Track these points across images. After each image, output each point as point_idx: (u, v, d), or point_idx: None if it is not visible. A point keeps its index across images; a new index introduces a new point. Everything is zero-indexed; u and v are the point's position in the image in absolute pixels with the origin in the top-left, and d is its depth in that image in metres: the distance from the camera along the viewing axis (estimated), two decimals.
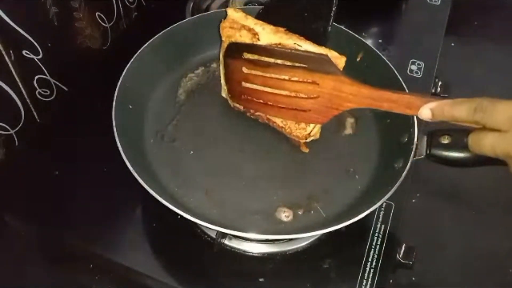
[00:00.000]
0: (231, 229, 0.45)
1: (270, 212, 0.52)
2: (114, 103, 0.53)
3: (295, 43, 0.53)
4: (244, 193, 0.53)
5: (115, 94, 0.54)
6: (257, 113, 0.57)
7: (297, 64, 0.51)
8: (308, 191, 0.53)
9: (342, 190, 0.54)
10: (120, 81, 0.55)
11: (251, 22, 0.55)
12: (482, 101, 0.40)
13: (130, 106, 0.56)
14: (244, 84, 0.55)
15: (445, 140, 0.49)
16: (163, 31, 0.61)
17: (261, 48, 0.53)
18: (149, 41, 0.60)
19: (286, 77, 0.52)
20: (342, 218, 0.47)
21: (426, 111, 0.44)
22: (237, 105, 0.58)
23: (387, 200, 0.48)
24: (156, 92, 0.61)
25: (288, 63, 0.51)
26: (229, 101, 0.59)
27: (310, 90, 0.51)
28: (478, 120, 0.40)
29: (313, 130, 0.55)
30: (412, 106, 0.46)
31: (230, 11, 0.56)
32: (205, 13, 0.68)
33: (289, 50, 0.51)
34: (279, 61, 0.51)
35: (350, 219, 0.46)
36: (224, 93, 0.60)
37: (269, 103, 0.54)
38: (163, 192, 0.50)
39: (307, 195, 0.53)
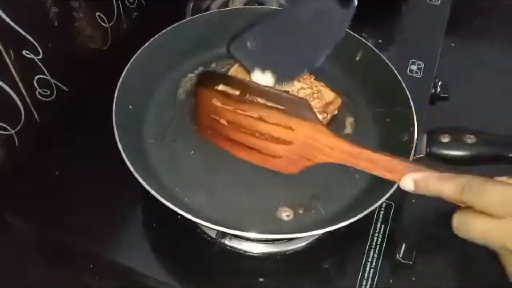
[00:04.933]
0: (231, 229, 0.45)
1: (271, 211, 0.52)
2: (114, 103, 0.53)
3: None
4: (245, 193, 0.53)
5: (115, 94, 0.54)
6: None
7: (273, 105, 0.47)
8: (308, 190, 0.53)
9: (342, 190, 0.54)
10: (120, 81, 0.55)
11: None
12: (471, 180, 0.37)
13: (130, 106, 0.56)
14: (213, 117, 0.51)
15: (445, 139, 0.49)
16: (163, 31, 0.61)
17: (237, 81, 0.50)
18: (149, 41, 0.60)
19: (260, 117, 0.48)
20: (342, 217, 0.47)
21: (409, 182, 0.41)
22: None
23: (387, 200, 0.48)
24: (156, 92, 0.61)
25: (264, 102, 0.48)
26: None
27: (284, 134, 0.47)
28: (466, 201, 0.37)
29: None
30: (393, 170, 0.43)
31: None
32: (205, 13, 0.68)
33: (267, 88, 0.48)
34: (256, 99, 0.48)
35: (350, 218, 0.46)
36: None
37: (237, 141, 0.50)
38: (164, 191, 0.50)
39: (308, 195, 0.53)
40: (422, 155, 0.50)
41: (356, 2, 0.51)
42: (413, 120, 0.53)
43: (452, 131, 0.50)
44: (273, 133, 0.48)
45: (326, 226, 0.46)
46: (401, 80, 0.58)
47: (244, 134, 0.50)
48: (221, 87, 0.50)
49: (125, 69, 0.56)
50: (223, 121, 0.51)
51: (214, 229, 0.46)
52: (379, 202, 0.47)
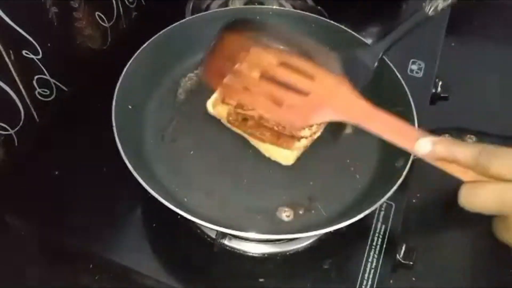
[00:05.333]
0: (231, 229, 0.45)
1: (271, 211, 0.52)
2: (114, 103, 0.53)
3: None
4: (245, 193, 0.53)
5: (115, 94, 0.53)
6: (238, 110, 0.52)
7: (298, 51, 0.47)
8: (308, 190, 0.53)
9: (342, 190, 0.54)
10: (120, 81, 0.55)
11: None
12: (486, 146, 0.37)
13: (130, 106, 0.56)
14: (230, 62, 0.49)
15: None
16: (162, 31, 0.61)
17: (266, 25, 0.50)
18: (149, 41, 0.60)
19: (282, 62, 0.46)
20: (343, 217, 0.47)
21: (427, 143, 0.40)
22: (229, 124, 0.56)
23: (387, 200, 0.48)
24: (156, 92, 0.61)
25: (290, 49, 0.47)
26: (223, 120, 0.57)
27: (303, 83, 0.46)
28: (483, 162, 0.36)
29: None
30: (406, 135, 0.41)
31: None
32: (205, 13, 0.68)
33: (297, 36, 0.48)
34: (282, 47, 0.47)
35: (351, 218, 0.46)
36: (210, 108, 0.58)
37: (252, 90, 0.48)
38: (163, 192, 0.50)
39: (308, 195, 0.53)
40: None
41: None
42: (413, 120, 0.53)
43: (452, 131, 0.50)
44: (292, 80, 0.46)
45: (326, 226, 0.46)
46: (402, 80, 0.57)
47: (260, 81, 0.48)
48: (250, 33, 0.49)
49: (125, 69, 0.56)
50: (241, 66, 0.49)
51: (214, 229, 0.46)
52: (379, 202, 0.47)
